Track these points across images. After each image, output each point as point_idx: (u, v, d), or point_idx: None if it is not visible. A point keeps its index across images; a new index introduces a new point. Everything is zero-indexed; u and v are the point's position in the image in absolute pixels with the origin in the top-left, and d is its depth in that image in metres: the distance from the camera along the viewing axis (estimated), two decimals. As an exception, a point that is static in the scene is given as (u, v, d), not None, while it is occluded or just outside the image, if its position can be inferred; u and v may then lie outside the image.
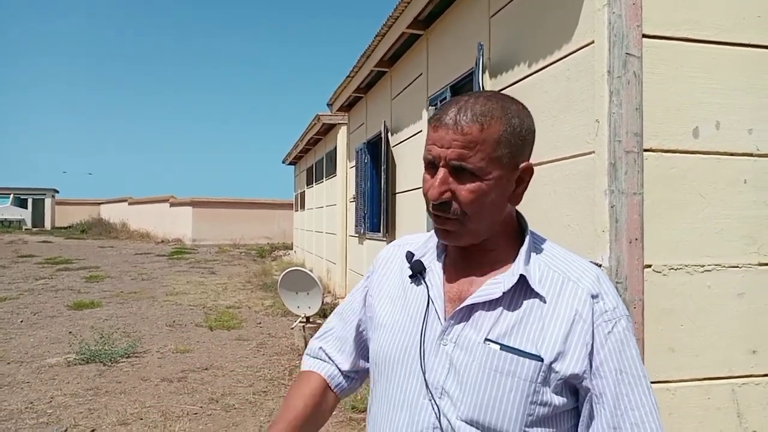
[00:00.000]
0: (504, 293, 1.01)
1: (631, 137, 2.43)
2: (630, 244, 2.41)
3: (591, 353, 0.99)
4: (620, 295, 2.35)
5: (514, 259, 1.06)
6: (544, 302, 1.01)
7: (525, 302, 1.01)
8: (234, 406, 4.89)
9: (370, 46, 6.03)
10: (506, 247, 1.08)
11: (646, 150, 2.45)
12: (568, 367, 0.98)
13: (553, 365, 0.97)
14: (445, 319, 1.04)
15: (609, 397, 0.99)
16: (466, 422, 0.99)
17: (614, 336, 1.00)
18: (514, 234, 1.10)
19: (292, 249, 21.10)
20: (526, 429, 0.98)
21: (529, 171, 1.05)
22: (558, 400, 0.99)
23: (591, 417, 1.01)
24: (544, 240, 1.13)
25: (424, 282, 1.10)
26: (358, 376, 1.30)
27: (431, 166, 1.01)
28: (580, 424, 1.03)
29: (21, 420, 4.49)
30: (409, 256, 1.14)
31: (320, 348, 1.30)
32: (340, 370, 1.27)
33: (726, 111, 2.54)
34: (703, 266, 2.51)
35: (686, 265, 2.49)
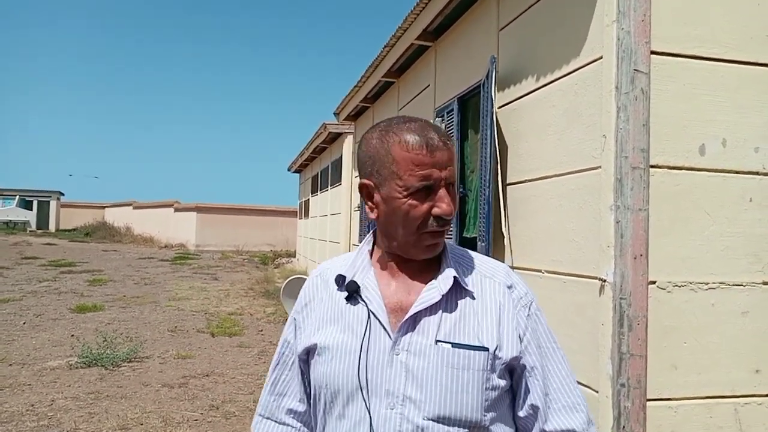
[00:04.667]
0: (443, 296, 1.12)
1: (637, 153, 2.43)
2: (635, 260, 2.41)
3: (520, 335, 1.14)
4: (624, 311, 2.36)
5: (438, 263, 1.17)
6: (474, 299, 1.14)
7: (459, 302, 1.14)
8: (234, 413, 4.89)
9: (378, 56, 6.06)
10: None
11: (652, 166, 2.46)
12: (507, 352, 1.11)
13: (496, 353, 1.10)
14: (392, 331, 1.11)
15: (539, 368, 1.15)
16: (433, 420, 1.07)
17: (531, 318, 1.17)
18: None
19: (295, 257, 21.11)
20: (485, 413, 1.09)
21: None
22: (502, 382, 1.12)
23: (527, 389, 1.15)
24: (454, 245, 1.25)
25: (362, 300, 1.15)
26: None
27: (423, 190, 1.09)
28: (517, 396, 1.16)
29: (22, 422, 4.50)
30: (340, 278, 1.19)
31: (274, 403, 1.27)
32: (302, 421, 1.27)
33: (733, 129, 2.54)
34: (707, 284, 2.50)
35: (691, 283, 2.49)
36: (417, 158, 1.08)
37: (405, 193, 1.09)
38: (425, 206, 1.09)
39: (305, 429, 1.27)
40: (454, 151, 1.12)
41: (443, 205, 1.09)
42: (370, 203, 1.16)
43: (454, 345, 1.09)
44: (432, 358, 1.08)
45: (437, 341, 1.09)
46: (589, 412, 1.19)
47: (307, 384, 1.25)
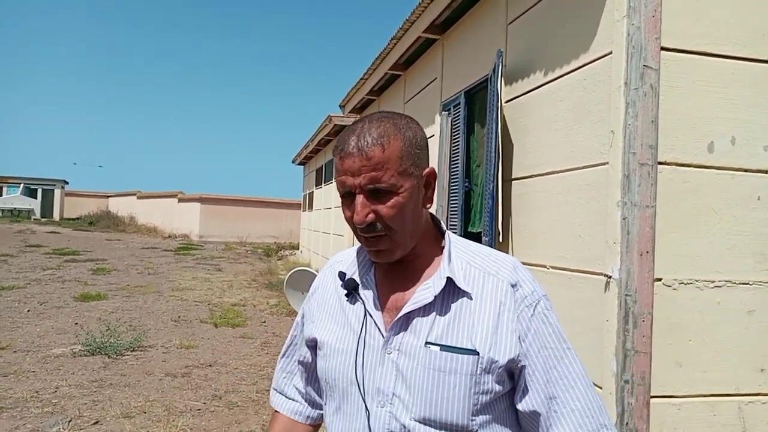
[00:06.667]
0: (435, 297, 1.10)
1: (645, 150, 2.42)
2: (641, 256, 2.40)
3: (520, 337, 1.08)
4: (629, 308, 2.36)
5: (439, 262, 1.15)
6: (471, 299, 1.10)
7: (455, 302, 1.11)
8: (237, 403, 4.91)
9: (385, 48, 6.04)
10: (430, 250, 1.17)
11: (660, 163, 2.45)
12: (504, 354, 1.07)
13: (490, 356, 1.06)
14: (385, 330, 1.11)
15: (540, 371, 1.09)
16: (419, 422, 1.07)
17: (536, 318, 1.10)
18: (435, 237, 1.20)
19: (298, 249, 21.13)
20: (473, 418, 1.07)
21: (433, 174, 1.14)
22: (497, 387, 1.08)
23: (525, 391, 1.10)
24: (461, 239, 1.21)
25: (360, 298, 1.17)
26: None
27: (348, 195, 1.09)
28: (515, 399, 1.11)
29: (26, 409, 4.52)
30: (342, 275, 1.21)
31: (284, 380, 1.38)
32: (306, 400, 1.36)
33: (742, 127, 2.53)
34: (713, 282, 2.50)
35: (697, 280, 2.48)
36: (336, 164, 1.10)
37: (340, 197, 1.12)
38: (349, 213, 1.10)
39: (309, 407, 1.35)
40: (387, 155, 1.05)
41: (353, 213, 1.08)
42: None
43: (443, 348, 1.07)
44: (420, 360, 1.07)
45: (427, 343, 1.08)
46: (604, 416, 1.10)
47: (309, 369, 1.33)
